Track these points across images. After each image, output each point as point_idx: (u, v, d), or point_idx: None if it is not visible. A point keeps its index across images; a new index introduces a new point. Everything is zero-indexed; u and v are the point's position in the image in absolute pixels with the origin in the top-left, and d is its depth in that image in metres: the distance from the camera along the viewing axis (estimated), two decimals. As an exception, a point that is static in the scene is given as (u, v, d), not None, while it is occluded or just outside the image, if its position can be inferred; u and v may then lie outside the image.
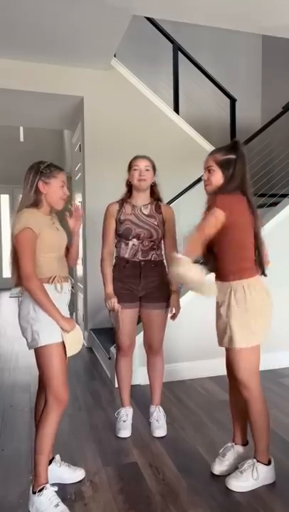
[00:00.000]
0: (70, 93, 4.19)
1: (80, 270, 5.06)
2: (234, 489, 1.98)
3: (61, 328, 1.86)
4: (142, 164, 2.47)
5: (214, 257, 1.98)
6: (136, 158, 2.51)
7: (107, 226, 2.53)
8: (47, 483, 1.86)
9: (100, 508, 1.88)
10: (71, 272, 6.61)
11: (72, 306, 6.05)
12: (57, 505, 1.82)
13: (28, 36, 3.46)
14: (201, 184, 3.79)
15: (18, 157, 7.12)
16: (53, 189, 1.95)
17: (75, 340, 1.94)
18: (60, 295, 1.91)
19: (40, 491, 1.83)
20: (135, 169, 2.46)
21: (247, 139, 3.90)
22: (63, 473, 2.07)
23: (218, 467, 2.11)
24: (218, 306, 2.01)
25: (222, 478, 2.07)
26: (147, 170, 2.47)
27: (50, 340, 1.85)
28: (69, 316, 1.95)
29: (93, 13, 3.08)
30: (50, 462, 2.04)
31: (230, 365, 2.04)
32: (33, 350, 1.92)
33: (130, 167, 2.50)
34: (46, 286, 1.86)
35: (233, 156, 1.92)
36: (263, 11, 3.16)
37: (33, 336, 1.86)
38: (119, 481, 2.09)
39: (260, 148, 4.54)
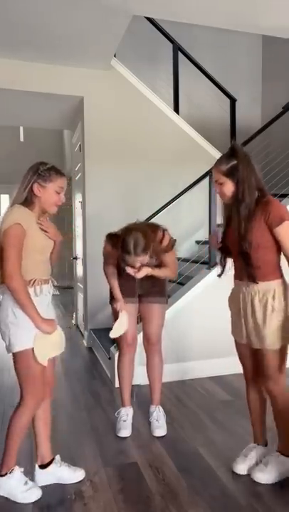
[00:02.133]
0: (70, 93, 4.19)
1: (80, 270, 5.06)
2: (260, 481, 2.02)
3: (41, 331, 1.83)
4: (137, 263, 2.22)
5: (248, 259, 1.92)
6: (129, 255, 2.16)
7: (107, 263, 2.50)
8: (15, 465, 1.92)
9: (100, 508, 1.88)
10: (71, 271, 6.60)
11: (72, 306, 6.05)
12: (26, 482, 1.91)
13: (28, 37, 3.45)
14: (201, 184, 3.82)
15: (18, 157, 7.12)
16: (48, 193, 1.89)
17: (54, 343, 1.91)
18: (38, 298, 1.87)
19: (11, 472, 1.89)
20: (129, 265, 2.23)
21: (247, 139, 3.90)
22: (63, 473, 2.07)
23: (242, 466, 2.12)
24: (265, 307, 1.92)
25: (222, 477, 2.07)
26: (143, 263, 2.24)
27: (27, 345, 1.83)
28: (52, 318, 1.92)
29: (93, 13, 3.08)
30: (51, 463, 2.05)
31: (255, 364, 2.04)
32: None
33: (121, 251, 2.21)
34: None
35: (234, 162, 1.93)
36: (262, 11, 3.16)
37: (10, 340, 1.84)
38: (119, 481, 2.09)
39: (260, 149, 4.54)
